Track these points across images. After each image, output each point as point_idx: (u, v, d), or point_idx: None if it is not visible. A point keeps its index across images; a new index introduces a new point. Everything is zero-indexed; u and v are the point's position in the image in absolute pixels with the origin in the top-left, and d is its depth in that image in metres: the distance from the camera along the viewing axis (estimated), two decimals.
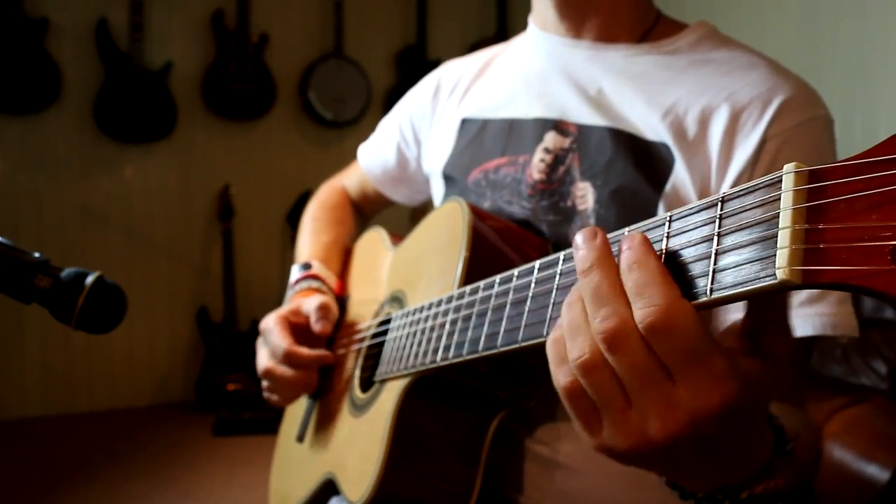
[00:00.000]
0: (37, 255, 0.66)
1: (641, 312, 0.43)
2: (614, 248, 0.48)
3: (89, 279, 0.65)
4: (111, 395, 3.63)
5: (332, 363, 0.99)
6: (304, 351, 0.95)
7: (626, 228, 0.51)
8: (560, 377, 0.48)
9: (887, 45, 2.44)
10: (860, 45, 2.52)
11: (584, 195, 0.85)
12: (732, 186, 0.80)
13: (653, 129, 0.85)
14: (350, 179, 1.30)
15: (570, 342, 0.47)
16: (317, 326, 0.97)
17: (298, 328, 0.99)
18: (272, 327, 0.97)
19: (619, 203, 0.83)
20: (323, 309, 0.98)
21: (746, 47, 0.89)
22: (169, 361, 3.75)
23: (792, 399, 0.75)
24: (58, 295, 0.64)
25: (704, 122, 0.82)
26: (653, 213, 0.82)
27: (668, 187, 0.82)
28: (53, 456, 3.04)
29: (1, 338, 3.41)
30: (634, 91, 0.88)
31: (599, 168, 0.85)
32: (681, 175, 0.82)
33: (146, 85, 3.54)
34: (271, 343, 0.96)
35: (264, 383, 0.99)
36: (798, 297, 0.76)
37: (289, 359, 0.94)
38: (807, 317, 0.76)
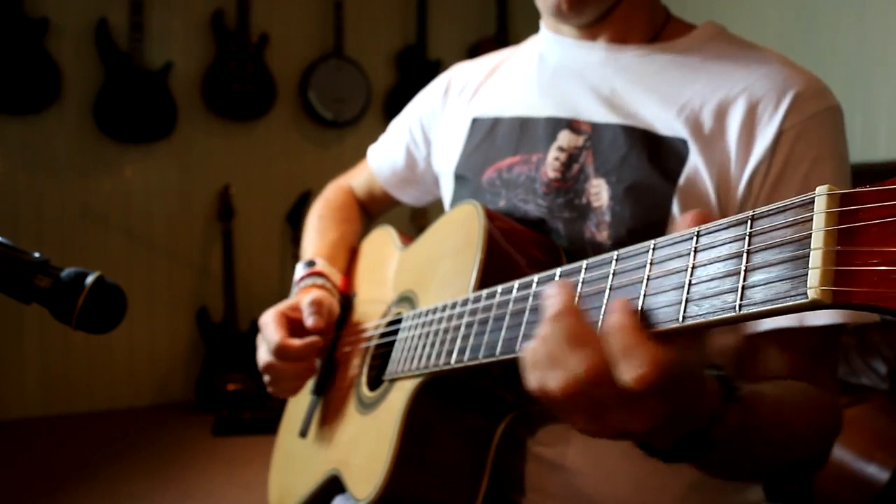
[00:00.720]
0: (37, 255, 0.66)
1: (631, 374, 0.47)
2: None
3: (89, 279, 0.65)
4: (111, 395, 3.63)
5: (321, 347, 0.99)
6: (295, 342, 0.96)
7: (652, 242, 0.52)
8: (533, 384, 0.55)
9: (887, 45, 2.44)
10: (860, 45, 2.52)
11: (599, 192, 0.86)
12: (751, 177, 0.82)
13: (668, 125, 0.86)
14: (356, 180, 1.30)
15: (548, 371, 0.53)
16: (309, 321, 0.98)
17: (296, 323, 0.99)
18: (268, 322, 0.98)
19: (633, 198, 0.84)
20: (315, 304, 0.99)
21: (755, 44, 0.91)
22: (169, 361, 3.75)
23: (827, 388, 0.78)
24: (58, 295, 0.64)
25: (721, 115, 0.84)
26: (667, 208, 0.83)
27: (682, 181, 0.83)
28: (53, 456, 3.04)
29: (1, 338, 3.41)
30: (648, 89, 0.89)
31: (613, 165, 0.86)
32: (696, 168, 0.83)
33: (146, 85, 3.54)
34: (266, 338, 0.98)
35: (265, 377, 1.00)
36: None
37: (281, 352, 0.95)
38: None
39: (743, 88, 0.84)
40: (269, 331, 0.97)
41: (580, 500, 0.86)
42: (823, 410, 0.76)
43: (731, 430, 0.59)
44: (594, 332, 0.51)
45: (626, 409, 0.50)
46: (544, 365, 0.53)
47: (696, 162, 0.83)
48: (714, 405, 0.57)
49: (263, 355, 0.99)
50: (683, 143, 0.84)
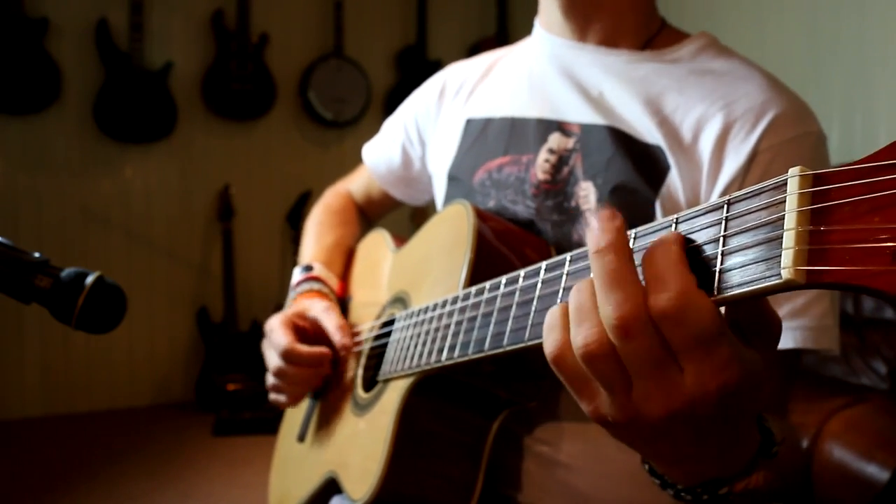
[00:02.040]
0: (37, 255, 0.65)
1: (657, 298, 0.42)
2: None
3: (89, 279, 0.65)
4: (111, 395, 3.63)
5: (329, 357, 0.99)
6: (303, 348, 0.96)
7: (633, 231, 0.51)
8: (551, 346, 0.48)
9: (887, 45, 2.43)
10: (860, 45, 2.51)
11: (587, 195, 0.86)
12: (721, 196, 0.80)
13: (649, 132, 0.86)
14: (355, 184, 1.31)
15: (575, 327, 0.46)
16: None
17: (302, 331, 1.00)
18: (275, 328, 0.98)
19: (619, 201, 0.84)
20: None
21: (746, 59, 0.90)
22: (169, 361, 3.75)
23: (773, 408, 0.75)
24: (58, 295, 0.64)
25: (698, 130, 0.84)
26: (650, 213, 0.83)
27: (663, 189, 0.83)
28: (53, 456, 3.04)
29: (1, 338, 3.42)
30: (634, 94, 0.89)
31: (600, 167, 0.86)
32: (675, 179, 0.83)
33: (146, 85, 3.54)
34: (274, 343, 0.98)
35: (271, 382, 1.00)
36: (782, 310, 0.77)
37: (288, 356, 0.95)
38: (789, 329, 0.76)
39: (722, 106, 0.83)
40: (277, 335, 0.97)
41: (576, 497, 0.86)
42: (798, 448, 0.74)
43: (751, 490, 0.52)
44: (637, 276, 0.44)
45: (657, 379, 0.44)
46: (573, 319, 0.46)
47: (674, 172, 0.83)
48: (750, 455, 0.51)
49: (274, 360, 0.98)
50: (662, 151, 0.84)
